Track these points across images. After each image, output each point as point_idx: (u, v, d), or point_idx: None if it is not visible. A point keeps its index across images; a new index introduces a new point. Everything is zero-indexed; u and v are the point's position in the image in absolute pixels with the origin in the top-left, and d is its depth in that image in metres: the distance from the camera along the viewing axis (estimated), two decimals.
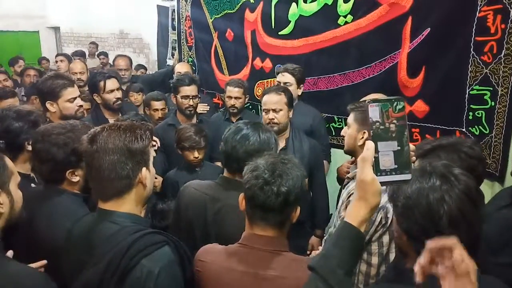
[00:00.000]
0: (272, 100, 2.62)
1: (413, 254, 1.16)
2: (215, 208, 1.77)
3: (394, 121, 0.87)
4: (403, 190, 1.09)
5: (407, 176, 0.87)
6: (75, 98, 2.65)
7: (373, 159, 0.88)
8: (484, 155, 2.39)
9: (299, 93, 3.09)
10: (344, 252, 0.97)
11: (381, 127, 0.87)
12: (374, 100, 0.88)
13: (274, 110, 2.60)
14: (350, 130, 2.01)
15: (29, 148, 2.01)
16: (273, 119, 2.60)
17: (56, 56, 6.41)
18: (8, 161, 1.40)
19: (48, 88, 2.60)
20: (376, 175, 0.88)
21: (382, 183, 0.89)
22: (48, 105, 2.61)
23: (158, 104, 3.67)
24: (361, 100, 2.16)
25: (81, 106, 2.71)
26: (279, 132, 2.64)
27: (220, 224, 1.76)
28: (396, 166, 0.87)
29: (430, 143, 1.66)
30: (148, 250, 1.25)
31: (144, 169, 1.35)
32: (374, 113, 0.88)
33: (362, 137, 1.93)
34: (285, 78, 3.05)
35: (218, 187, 1.84)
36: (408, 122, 0.91)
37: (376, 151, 0.88)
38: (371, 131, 0.88)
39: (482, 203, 1.18)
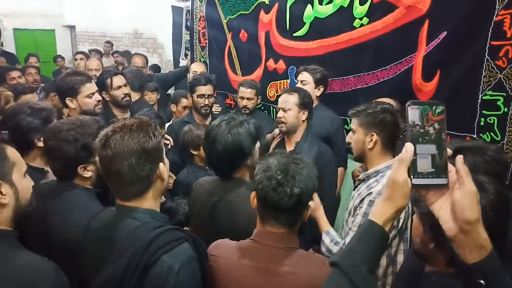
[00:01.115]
0: (282, 99, 2.65)
1: (438, 260, 1.19)
2: (211, 202, 1.83)
3: (434, 125, 0.88)
4: None
5: (444, 181, 0.86)
6: (93, 93, 2.72)
7: (411, 161, 0.89)
8: None
9: (317, 94, 3.07)
10: (368, 249, 0.96)
11: (421, 130, 0.88)
12: (414, 103, 0.89)
13: (283, 109, 2.62)
14: (356, 136, 2.00)
15: (40, 144, 2.05)
16: (281, 117, 2.62)
17: (76, 54, 6.51)
18: (9, 151, 1.39)
19: (67, 85, 2.67)
20: (413, 177, 0.88)
21: (418, 186, 0.89)
22: (68, 101, 2.67)
23: (186, 102, 3.71)
24: (373, 101, 2.15)
25: (99, 101, 2.77)
26: (288, 133, 2.66)
27: (215, 218, 1.81)
28: (433, 169, 0.87)
29: (452, 144, 1.65)
30: (169, 246, 1.27)
31: (161, 164, 1.37)
32: (413, 115, 0.88)
33: (371, 140, 1.93)
34: (303, 76, 3.06)
35: (218, 182, 1.90)
36: None
37: (414, 153, 0.88)
38: (410, 133, 0.88)
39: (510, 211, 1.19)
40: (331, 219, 2.60)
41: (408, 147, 0.89)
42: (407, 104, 0.89)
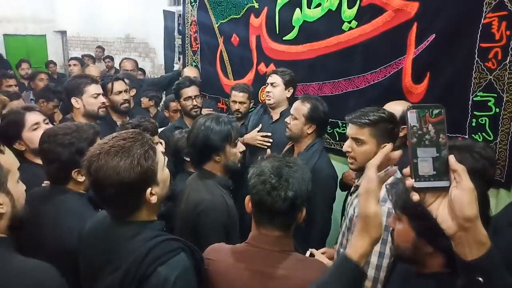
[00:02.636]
0: (294, 105, 2.63)
1: (435, 261, 1.17)
2: (183, 192, 2.06)
3: (432, 127, 0.89)
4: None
5: (446, 183, 0.87)
6: (98, 95, 2.77)
7: (412, 164, 0.89)
8: None
9: (288, 95, 3.10)
10: (341, 285, 0.97)
11: (419, 132, 0.89)
12: (413, 106, 0.90)
13: (291, 115, 2.59)
14: (367, 147, 1.91)
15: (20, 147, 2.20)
16: (288, 123, 2.60)
17: (70, 60, 6.50)
18: (2, 158, 1.41)
19: (73, 85, 2.77)
20: (415, 181, 0.88)
21: (420, 189, 0.89)
22: (73, 101, 2.75)
23: (176, 105, 3.70)
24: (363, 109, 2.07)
25: (103, 103, 2.81)
26: (291, 140, 2.65)
27: (180, 205, 2.02)
28: (434, 172, 0.88)
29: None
30: (165, 258, 1.26)
31: (149, 189, 1.31)
32: (412, 119, 0.89)
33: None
34: (272, 79, 3.09)
35: (194, 176, 2.10)
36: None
37: (415, 157, 0.88)
38: (410, 137, 0.89)
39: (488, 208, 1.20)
40: (322, 240, 2.52)
41: (370, 175, 0.91)
42: (406, 109, 0.90)
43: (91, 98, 2.73)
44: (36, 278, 1.23)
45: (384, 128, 1.90)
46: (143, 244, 1.28)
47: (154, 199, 1.33)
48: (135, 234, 1.32)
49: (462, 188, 0.83)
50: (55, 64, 8.17)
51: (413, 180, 0.89)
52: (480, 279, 0.83)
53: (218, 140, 1.97)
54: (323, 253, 1.99)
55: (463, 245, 0.85)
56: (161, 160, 1.38)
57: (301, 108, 2.54)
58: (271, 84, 3.08)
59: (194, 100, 3.22)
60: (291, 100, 3.08)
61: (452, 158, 0.86)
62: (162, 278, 1.22)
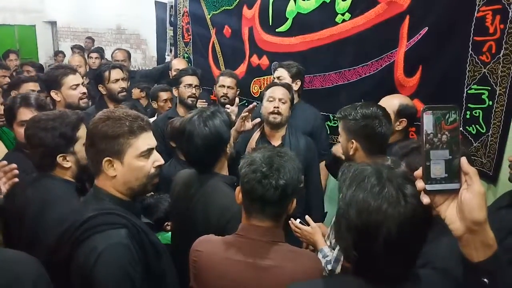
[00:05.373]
0: (280, 91, 2.62)
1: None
2: (189, 196, 1.84)
3: (447, 132, 0.89)
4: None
5: (457, 185, 0.87)
6: (77, 85, 2.70)
7: (424, 167, 0.89)
8: (480, 154, 2.43)
9: (295, 88, 3.04)
10: None
11: (434, 138, 0.89)
12: (429, 108, 0.89)
13: (280, 100, 2.58)
14: (341, 139, 1.98)
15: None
16: (278, 107, 2.56)
17: (72, 47, 6.72)
18: None
19: (50, 77, 2.70)
20: (426, 183, 0.88)
21: (432, 192, 0.89)
22: (52, 94, 2.68)
23: (166, 95, 3.72)
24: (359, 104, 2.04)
25: (84, 93, 2.75)
26: (278, 126, 2.63)
27: (190, 211, 1.82)
28: (446, 175, 0.88)
29: (415, 142, 1.56)
30: (100, 228, 1.30)
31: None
32: (428, 123, 0.89)
33: (352, 147, 1.91)
34: (279, 72, 3.05)
35: (196, 175, 1.89)
36: None
37: (429, 159, 0.88)
38: (424, 140, 0.89)
39: None
40: (322, 202, 2.80)
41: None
42: (422, 110, 0.90)
43: (69, 90, 2.66)
44: (13, 270, 1.19)
45: (350, 124, 1.91)
46: (86, 212, 1.35)
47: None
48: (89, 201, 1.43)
49: (473, 192, 0.84)
50: (64, 55, 8.02)
51: (425, 183, 0.89)
52: (485, 280, 0.84)
53: (226, 131, 1.86)
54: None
55: (470, 247, 0.86)
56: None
57: (284, 91, 2.62)
58: (277, 78, 3.04)
59: (193, 88, 3.23)
60: (299, 93, 3.07)
61: (464, 160, 0.86)
62: (91, 246, 1.26)
